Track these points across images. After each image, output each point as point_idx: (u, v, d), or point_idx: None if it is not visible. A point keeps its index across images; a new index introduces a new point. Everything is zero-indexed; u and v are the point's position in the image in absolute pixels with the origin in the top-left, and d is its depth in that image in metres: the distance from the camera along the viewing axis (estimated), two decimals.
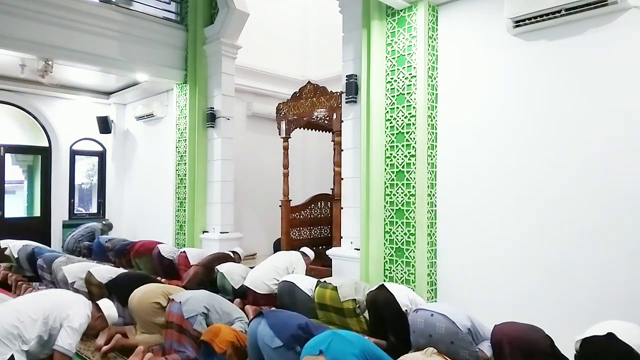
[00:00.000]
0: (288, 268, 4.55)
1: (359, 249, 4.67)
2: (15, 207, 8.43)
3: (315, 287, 3.79)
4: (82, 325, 2.87)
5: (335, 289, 3.61)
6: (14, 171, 8.49)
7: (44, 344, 2.75)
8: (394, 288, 3.40)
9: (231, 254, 5.48)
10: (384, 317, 3.34)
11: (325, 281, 3.77)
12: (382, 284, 3.45)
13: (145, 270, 5.90)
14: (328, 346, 2.30)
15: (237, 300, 4.26)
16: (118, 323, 3.89)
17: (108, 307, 3.26)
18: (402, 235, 4.34)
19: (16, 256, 5.94)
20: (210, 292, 3.60)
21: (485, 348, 2.85)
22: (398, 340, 3.13)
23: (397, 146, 4.38)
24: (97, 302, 3.19)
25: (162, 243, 6.18)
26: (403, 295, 3.34)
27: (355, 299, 3.55)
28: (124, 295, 3.81)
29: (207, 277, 4.89)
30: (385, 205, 4.47)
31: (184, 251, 5.54)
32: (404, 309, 3.28)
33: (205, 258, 5.27)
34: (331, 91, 5.66)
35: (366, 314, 3.59)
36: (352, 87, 4.83)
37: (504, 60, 3.89)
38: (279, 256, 4.81)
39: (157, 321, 3.54)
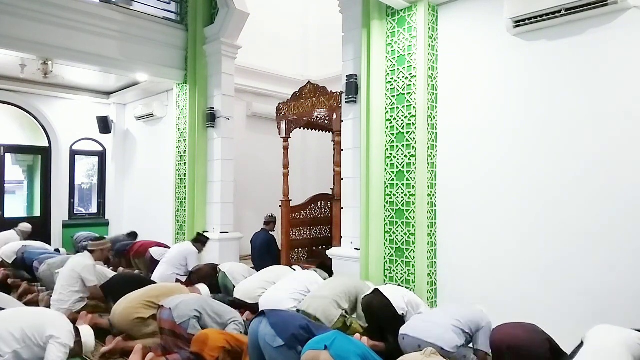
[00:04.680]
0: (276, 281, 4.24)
1: (359, 249, 4.67)
2: (15, 207, 8.44)
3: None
4: (70, 343, 2.78)
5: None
6: (14, 171, 8.50)
7: None
8: (388, 291, 3.40)
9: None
10: (381, 320, 3.34)
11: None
12: (377, 288, 3.46)
13: (144, 270, 5.91)
14: (332, 343, 2.37)
15: None
16: None
17: (87, 334, 2.98)
18: (402, 235, 4.34)
19: (9, 261, 5.89)
20: (201, 295, 3.58)
21: (482, 341, 2.95)
22: (396, 342, 3.13)
23: (397, 146, 4.38)
24: (78, 326, 3.04)
25: (160, 244, 6.19)
26: (398, 298, 3.34)
27: (341, 314, 3.45)
28: (119, 297, 3.82)
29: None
30: (385, 205, 4.47)
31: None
32: (400, 312, 3.27)
33: None
34: (331, 91, 5.66)
35: (355, 315, 3.65)
36: (352, 87, 4.82)
37: (504, 60, 3.89)
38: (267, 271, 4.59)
39: (147, 331, 3.54)
